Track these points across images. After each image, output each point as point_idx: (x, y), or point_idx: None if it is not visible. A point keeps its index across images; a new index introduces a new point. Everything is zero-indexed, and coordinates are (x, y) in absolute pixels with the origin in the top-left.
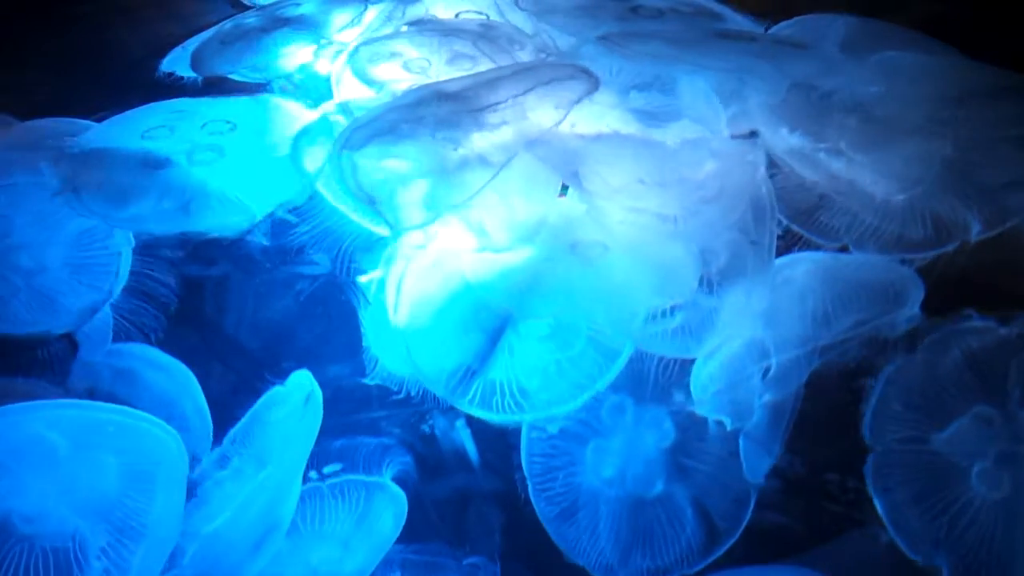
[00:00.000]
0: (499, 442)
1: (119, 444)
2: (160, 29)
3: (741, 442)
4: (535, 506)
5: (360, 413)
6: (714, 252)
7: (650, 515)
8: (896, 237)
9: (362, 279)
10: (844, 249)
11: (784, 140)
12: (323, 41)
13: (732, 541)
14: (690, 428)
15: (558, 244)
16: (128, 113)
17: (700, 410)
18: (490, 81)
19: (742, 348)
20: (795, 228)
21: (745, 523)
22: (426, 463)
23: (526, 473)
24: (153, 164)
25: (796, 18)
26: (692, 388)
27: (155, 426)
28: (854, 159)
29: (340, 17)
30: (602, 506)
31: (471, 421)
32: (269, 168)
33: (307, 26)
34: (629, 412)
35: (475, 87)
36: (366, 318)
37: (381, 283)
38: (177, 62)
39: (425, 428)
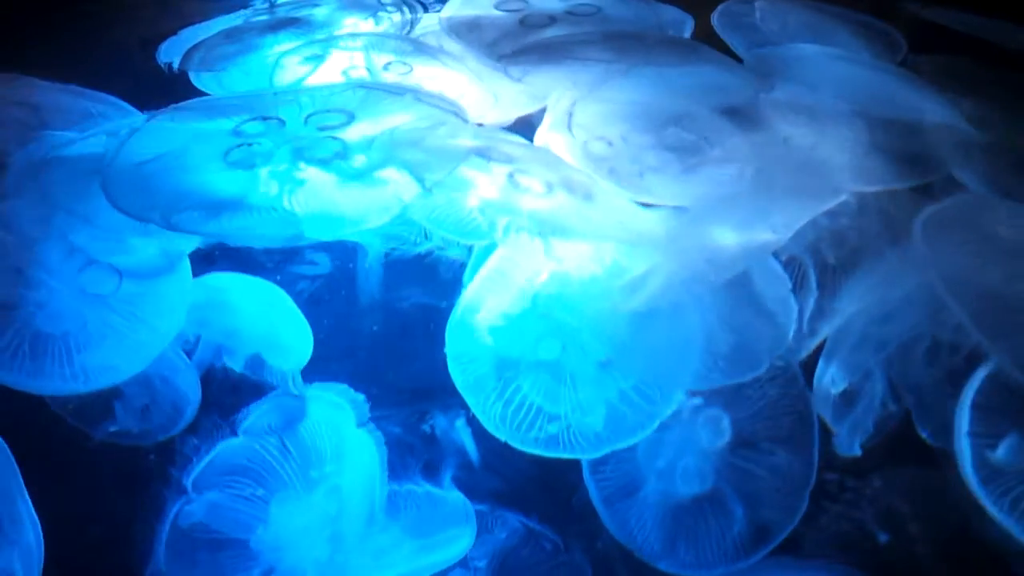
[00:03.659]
0: (497, 440)
1: None
2: (162, 28)
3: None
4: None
5: None
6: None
7: (697, 510)
8: None
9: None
10: None
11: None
12: (326, 41)
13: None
14: (746, 429)
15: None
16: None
17: (842, 450)
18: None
19: (856, 343)
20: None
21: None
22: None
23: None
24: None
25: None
26: (815, 395)
27: None
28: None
29: (348, 20)
30: (651, 495)
31: (471, 420)
32: None
33: (313, 28)
34: (687, 407)
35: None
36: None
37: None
38: (171, 51)
39: (425, 428)
